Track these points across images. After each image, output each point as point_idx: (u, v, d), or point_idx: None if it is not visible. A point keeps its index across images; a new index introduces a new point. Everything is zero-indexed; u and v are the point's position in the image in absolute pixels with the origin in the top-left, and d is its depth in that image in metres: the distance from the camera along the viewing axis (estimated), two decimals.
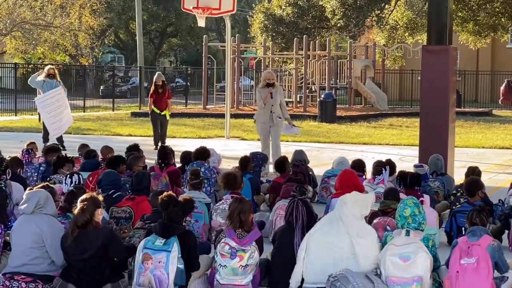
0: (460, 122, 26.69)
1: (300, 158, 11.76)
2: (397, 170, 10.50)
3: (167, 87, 18.96)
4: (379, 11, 35.15)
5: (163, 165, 10.71)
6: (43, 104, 17.39)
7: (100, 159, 11.34)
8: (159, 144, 17.62)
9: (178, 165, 11.65)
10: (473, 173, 10.09)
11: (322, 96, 29.94)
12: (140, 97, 40.11)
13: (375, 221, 7.74)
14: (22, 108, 33.17)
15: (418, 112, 13.89)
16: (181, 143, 19.36)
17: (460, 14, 32.48)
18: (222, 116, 25.99)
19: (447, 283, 6.39)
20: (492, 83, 45.20)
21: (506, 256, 6.65)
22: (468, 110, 35.28)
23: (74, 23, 42.02)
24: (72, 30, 42.41)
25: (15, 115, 31.62)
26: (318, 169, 13.24)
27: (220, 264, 6.75)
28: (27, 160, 10.86)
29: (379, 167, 10.34)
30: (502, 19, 33.16)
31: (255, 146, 17.42)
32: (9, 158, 10.12)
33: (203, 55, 34.67)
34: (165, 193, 6.85)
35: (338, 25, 35.73)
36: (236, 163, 11.44)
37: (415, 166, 11.06)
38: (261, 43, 37.05)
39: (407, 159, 16.26)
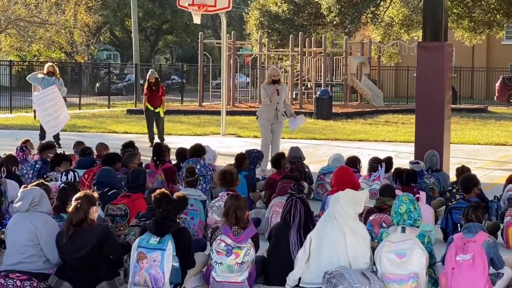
0: (456, 119, 26.72)
1: (296, 155, 11.74)
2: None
3: (160, 84, 18.98)
4: (374, 8, 35.14)
5: (158, 162, 10.69)
6: (40, 101, 17.35)
7: (95, 156, 11.32)
8: (155, 141, 17.60)
9: (174, 162, 11.63)
10: (463, 173, 10.02)
11: (318, 93, 29.94)
12: (135, 95, 40.06)
13: (371, 218, 7.73)
14: (17, 105, 33.13)
15: (413, 108, 13.91)
16: (177, 140, 19.35)
17: (455, 10, 32.48)
18: (218, 113, 25.96)
19: (443, 280, 6.40)
20: (487, 80, 45.25)
21: (501, 253, 6.65)
22: (463, 107, 35.35)
23: (69, 20, 41.96)
24: (68, 27, 42.35)
25: (10, 113, 31.56)
26: (314, 166, 13.23)
27: (215, 261, 6.75)
28: (21, 158, 10.83)
29: (375, 163, 10.35)
30: (497, 16, 33.17)
31: (251, 143, 17.41)
32: (3, 156, 10.10)
33: (199, 52, 34.65)
34: (158, 191, 6.82)
35: (334, 22, 35.69)
36: (232, 160, 11.42)
37: (411, 162, 11.06)
38: (257, 40, 37.03)
39: (403, 155, 16.27)
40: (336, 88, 40.05)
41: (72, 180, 8.50)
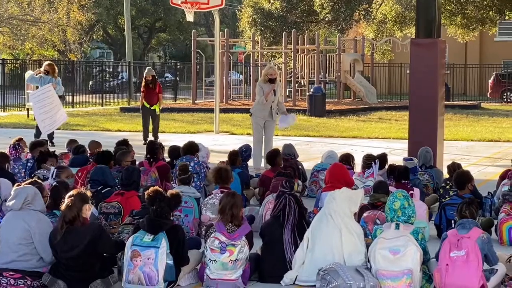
0: (449, 115, 26.73)
1: (289, 152, 11.72)
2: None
3: (158, 82, 19.00)
4: (367, 5, 35.15)
5: (152, 160, 10.67)
6: (36, 99, 17.29)
7: (88, 154, 11.30)
8: (149, 138, 17.59)
9: (167, 159, 11.61)
10: (454, 170, 10.00)
11: (311, 90, 29.93)
12: (129, 93, 39.99)
13: (365, 214, 7.73)
14: (11, 104, 33.03)
15: (407, 105, 13.92)
16: (170, 138, 19.33)
17: (448, 7, 32.51)
18: (211, 110, 25.95)
19: (437, 276, 6.40)
20: (480, 76, 45.31)
21: (495, 249, 6.66)
22: (457, 103, 35.38)
23: (62, 18, 41.80)
24: (60, 25, 42.19)
25: (3, 111, 31.48)
26: (308, 163, 13.23)
27: (210, 259, 6.74)
28: (14, 156, 10.79)
29: (369, 160, 10.35)
30: (490, 12, 33.21)
31: (244, 141, 17.39)
32: None
33: (192, 50, 34.61)
34: (151, 188, 6.82)
35: (327, 19, 35.71)
36: (225, 158, 11.41)
37: (405, 159, 11.06)
38: (250, 38, 37.01)
39: (396, 152, 16.27)
40: (329, 85, 40.04)
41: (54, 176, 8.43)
